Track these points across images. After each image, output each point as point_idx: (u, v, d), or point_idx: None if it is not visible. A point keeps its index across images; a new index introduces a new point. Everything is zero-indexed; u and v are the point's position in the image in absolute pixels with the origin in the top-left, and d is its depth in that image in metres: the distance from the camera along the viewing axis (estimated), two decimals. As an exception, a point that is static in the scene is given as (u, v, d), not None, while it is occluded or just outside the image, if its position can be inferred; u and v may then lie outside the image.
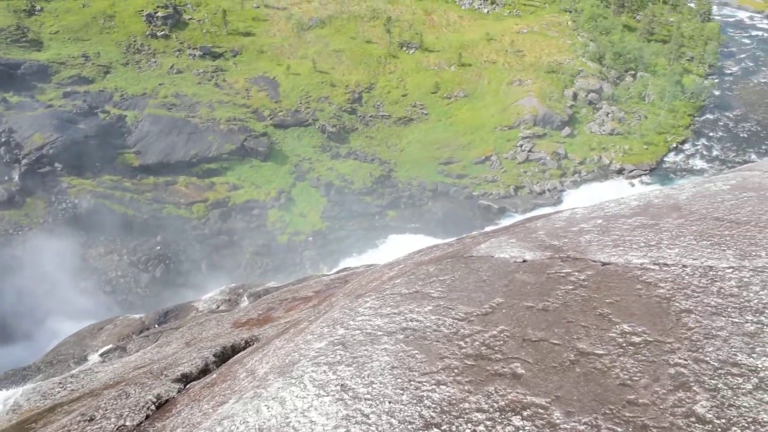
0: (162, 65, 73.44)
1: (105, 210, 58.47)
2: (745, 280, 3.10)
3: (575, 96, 76.16)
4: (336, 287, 9.89)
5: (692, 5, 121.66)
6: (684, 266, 3.31)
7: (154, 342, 14.62)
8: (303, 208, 62.92)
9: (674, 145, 74.07)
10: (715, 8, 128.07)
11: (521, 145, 69.35)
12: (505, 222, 48.43)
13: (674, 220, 3.96)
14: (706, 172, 66.44)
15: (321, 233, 60.80)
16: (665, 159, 72.40)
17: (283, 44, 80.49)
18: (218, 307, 18.58)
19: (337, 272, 17.95)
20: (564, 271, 3.42)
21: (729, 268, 3.23)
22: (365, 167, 67.32)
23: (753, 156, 70.92)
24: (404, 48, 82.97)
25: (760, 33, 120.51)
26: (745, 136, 76.61)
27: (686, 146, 75.04)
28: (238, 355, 6.33)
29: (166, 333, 15.11)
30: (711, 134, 77.75)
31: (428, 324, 3.14)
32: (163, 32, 76.93)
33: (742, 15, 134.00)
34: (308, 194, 64.28)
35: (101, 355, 16.04)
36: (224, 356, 6.68)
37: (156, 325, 18.39)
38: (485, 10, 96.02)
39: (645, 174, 68.42)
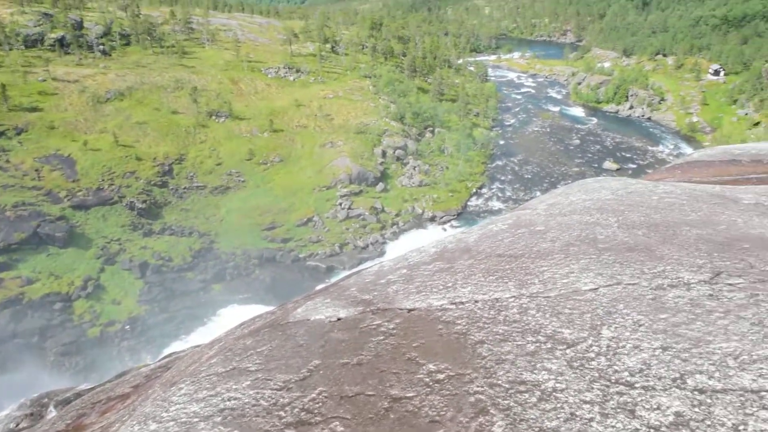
0: (-76, 150, 63.13)
1: None
2: (524, 306, 3.54)
3: (384, 153, 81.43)
4: (158, 377, 9.09)
5: (472, 68, 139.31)
6: (476, 302, 3.68)
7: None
8: (116, 294, 57.17)
9: (474, 190, 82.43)
10: (490, 70, 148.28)
11: (341, 204, 71.64)
12: (334, 280, 49.09)
13: (466, 261, 4.39)
14: (502, 211, 74.83)
15: (140, 319, 55.55)
16: (469, 203, 79.99)
17: (77, 119, 74.30)
18: (17, 425, 15.82)
19: (161, 360, 16.47)
20: (375, 323, 3.60)
21: (511, 297, 3.67)
22: (183, 242, 63.85)
23: (537, 193, 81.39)
24: (214, 117, 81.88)
25: (527, 89, 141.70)
26: (529, 177, 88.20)
27: (484, 190, 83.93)
28: (40, 476, 5.46)
29: (-54, 470, 12.41)
30: (502, 178, 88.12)
31: (247, 400, 3.06)
32: None
33: (512, 75, 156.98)
34: (121, 278, 58.71)
35: None
36: (22, 482, 5.70)
37: (-68, 464, 15.00)
38: (291, 78, 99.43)
39: (454, 218, 74.73)
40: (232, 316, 52.16)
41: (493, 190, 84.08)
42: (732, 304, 3.33)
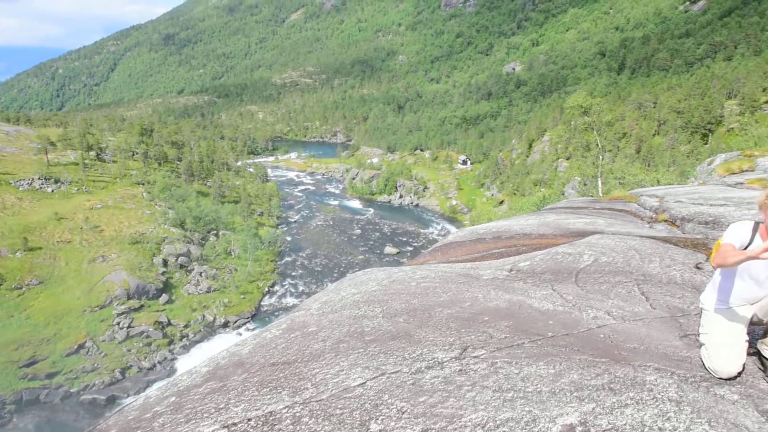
0: None
1: None
2: (298, 414, 3.50)
3: (165, 262, 76.47)
4: None
5: (251, 170, 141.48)
6: (249, 420, 3.53)
7: None
8: None
9: (266, 289, 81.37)
10: (269, 171, 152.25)
11: (119, 323, 64.48)
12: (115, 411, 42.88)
13: (239, 377, 4.23)
14: (297, 307, 74.75)
15: None
16: (262, 303, 78.40)
17: None
18: None
19: None
20: (136, 467, 3.22)
21: (284, 407, 3.61)
22: None
23: (328, 283, 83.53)
24: (-54, 241, 68.93)
25: (307, 186, 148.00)
26: (319, 269, 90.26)
27: (276, 288, 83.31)
28: None
29: None
30: (293, 273, 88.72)
31: None
32: None
33: (291, 174, 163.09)
34: None
35: None
36: None
37: None
38: (49, 189, 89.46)
39: (248, 321, 72.27)
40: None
41: (286, 287, 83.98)
42: (477, 375, 3.72)
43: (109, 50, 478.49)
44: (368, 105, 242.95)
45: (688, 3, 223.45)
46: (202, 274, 78.06)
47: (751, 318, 3.92)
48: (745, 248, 3.71)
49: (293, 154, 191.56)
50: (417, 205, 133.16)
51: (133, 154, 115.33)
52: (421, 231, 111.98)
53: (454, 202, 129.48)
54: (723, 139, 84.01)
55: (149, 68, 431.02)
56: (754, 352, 4.04)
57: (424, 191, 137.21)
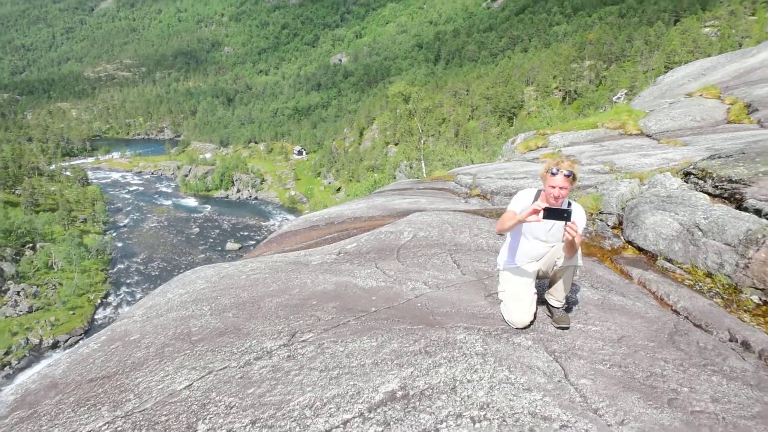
0: None
1: None
2: (119, 429, 3.33)
3: (-31, 286, 66.50)
4: None
5: (68, 173, 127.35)
6: (59, 444, 3.30)
7: None
8: None
9: (99, 301, 74.76)
10: (90, 173, 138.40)
11: None
12: None
13: (52, 400, 3.90)
14: (120, 316, 69.43)
15: None
16: (96, 317, 71.87)
17: None
18: None
19: None
20: None
21: (104, 424, 3.41)
22: None
23: (169, 290, 78.77)
24: None
25: (135, 187, 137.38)
26: (157, 273, 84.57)
27: (111, 298, 76.75)
28: None
29: None
30: (129, 281, 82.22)
31: None
32: None
33: (116, 175, 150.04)
34: None
35: None
36: None
37: None
38: None
39: (81, 338, 65.72)
40: None
41: (121, 296, 77.75)
42: (305, 359, 3.84)
43: None
44: (196, 98, 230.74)
45: (489, 0, 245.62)
46: (21, 293, 69.29)
47: (537, 272, 4.53)
48: None
49: (116, 154, 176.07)
50: (256, 199, 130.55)
51: None
52: (263, 224, 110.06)
53: (293, 193, 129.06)
54: (525, 121, 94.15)
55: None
56: (542, 302, 4.68)
57: (261, 184, 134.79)
